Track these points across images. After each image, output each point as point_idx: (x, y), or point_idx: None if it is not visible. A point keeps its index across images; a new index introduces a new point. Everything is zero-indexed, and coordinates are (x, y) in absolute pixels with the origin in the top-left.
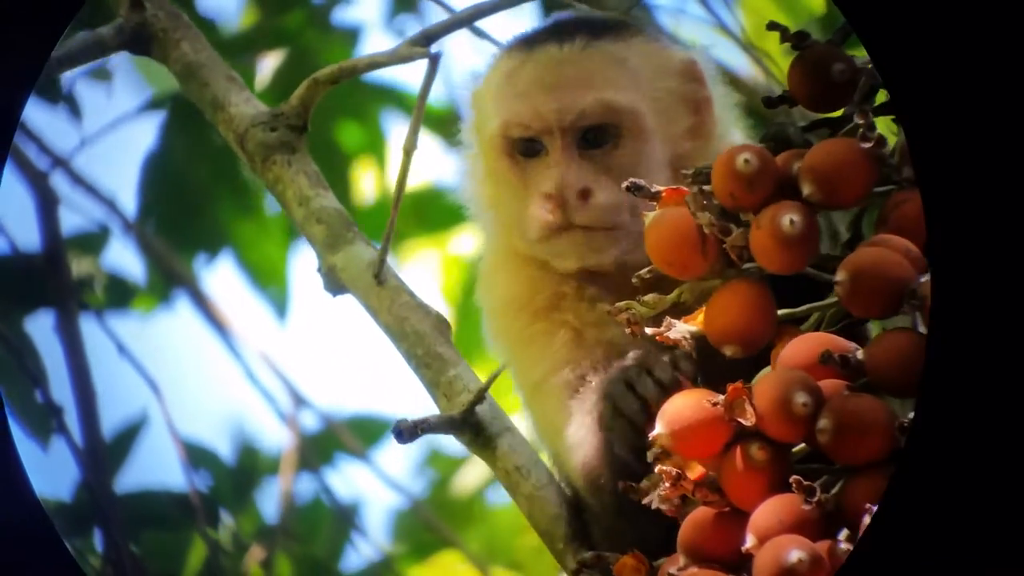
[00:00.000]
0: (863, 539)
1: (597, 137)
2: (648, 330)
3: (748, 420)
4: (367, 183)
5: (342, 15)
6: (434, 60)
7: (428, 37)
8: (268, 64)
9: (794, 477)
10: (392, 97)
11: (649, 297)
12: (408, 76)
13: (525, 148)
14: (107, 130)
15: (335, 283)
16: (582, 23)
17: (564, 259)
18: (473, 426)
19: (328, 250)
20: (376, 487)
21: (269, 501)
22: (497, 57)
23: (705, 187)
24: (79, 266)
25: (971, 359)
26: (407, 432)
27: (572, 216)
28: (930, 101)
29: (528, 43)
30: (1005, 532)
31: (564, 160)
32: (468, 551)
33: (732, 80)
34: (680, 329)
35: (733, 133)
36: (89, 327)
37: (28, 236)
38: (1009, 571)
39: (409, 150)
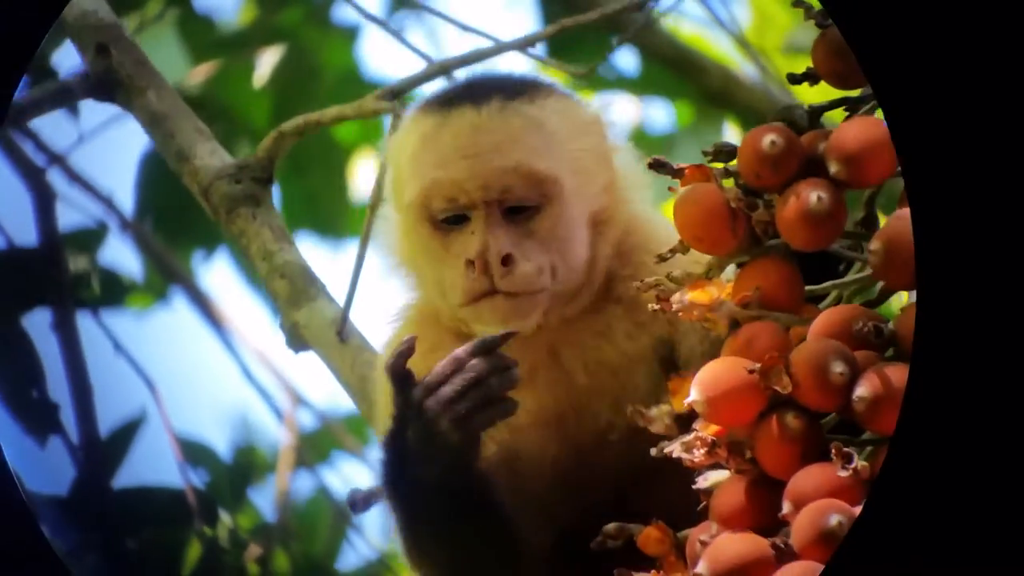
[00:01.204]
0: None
1: (519, 205)
2: (675, 306)
3: (784, 388)
4: (364, 177)
5: (340, 12)
6: (398, 115)
7: (394, 92)
8: (266, 60)
9: (834, 443)
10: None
11: (679, 273)
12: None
13: (447, 217)
14: (104, 126)
15: (298, 340)
16: (497, 84)
17: (487, 324)
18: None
19: (291, 306)
20: (374, 484)
21: (266, 499)
22: (412, 116)
23: (728, 165)
24: (76, 263)
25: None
26: (361, 501)
27: (496, 283)
28: (917, 92)
29: (444, 103)
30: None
31: (487, 228)
32: None
33: (731, 80)
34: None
35: (642, 188)
36: (86, 324)
37: (25, 232)
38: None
39: (374, 205)
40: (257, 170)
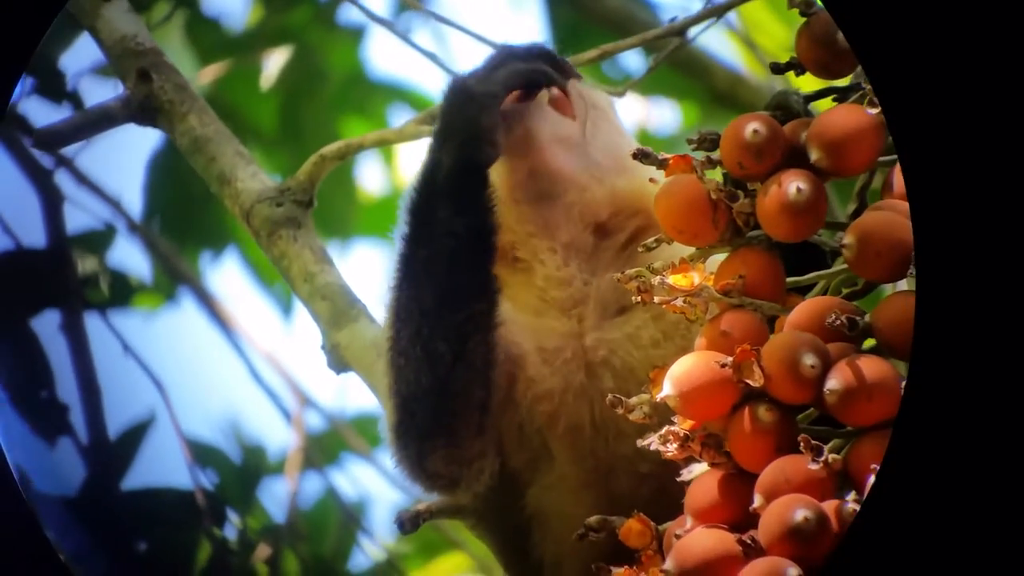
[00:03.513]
0: (866, 501)
1: None
2: (656, 299)
3: (756, 381)
4: (373, 177)
5: (347, 13)
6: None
7: (434, 116)
8: (274, 62)
9: (802, 436)
10: (400, 94)
11: (659, 264)
12: (416, 74)
13: None
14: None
15: (339, 361)
16: None
17: None
18: (475, 511)
19: (332, 327)
20: (381, 486)
21: (275, 500)
22: None
23: (711, 154)
24: (84, 264)
25: (966, 324)
26: (409, 521)
27: None
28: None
29: None
30: (1003, 503)
31: None
32: (473, 552)
33: (737, 80)
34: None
35: None
36: (94, 325)
37: (33, 234)
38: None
39: None
40: (298, 193)
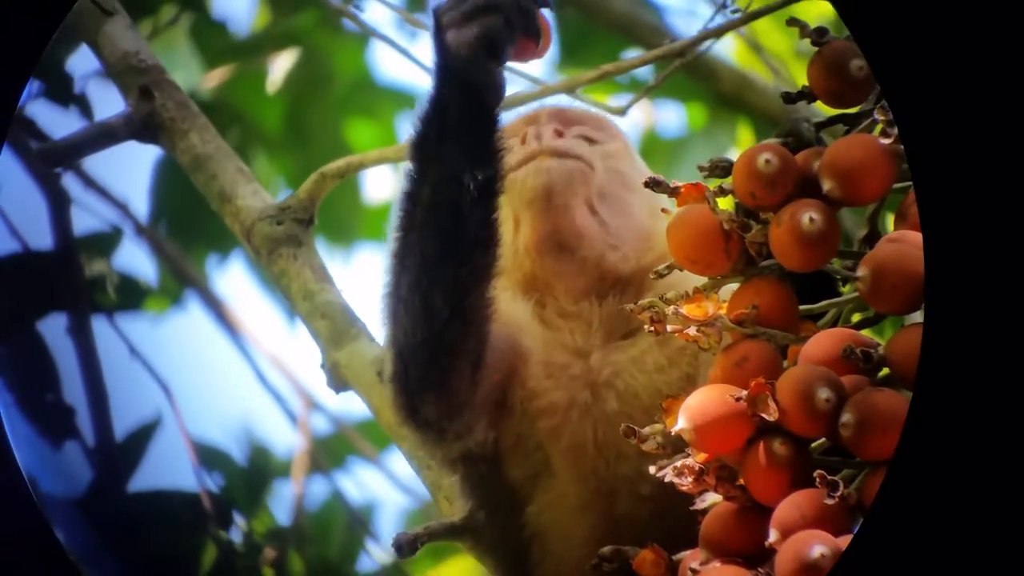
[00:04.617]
0: (871, 530)
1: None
2: (670, 328)
3: (771, 415)
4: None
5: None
6: None
7: None
8: (280, 65)
9: (818, 472)
10: (409, 101)
11: (672, 294)
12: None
13: None
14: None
15: (338, 380)
16: None
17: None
18: (474, 532)
19: (332, 346)
20: (388, 490)
21: (281, 503)
22: None
23: (723, 183)
24: (91, 267)
25: (974, 352)
26: (407, 545)
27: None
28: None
29: None
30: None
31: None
32: None
33: (744, 83)
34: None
35: None
36: (101, 328)
37: (40, 237)
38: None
39: None
40: (298, 211)
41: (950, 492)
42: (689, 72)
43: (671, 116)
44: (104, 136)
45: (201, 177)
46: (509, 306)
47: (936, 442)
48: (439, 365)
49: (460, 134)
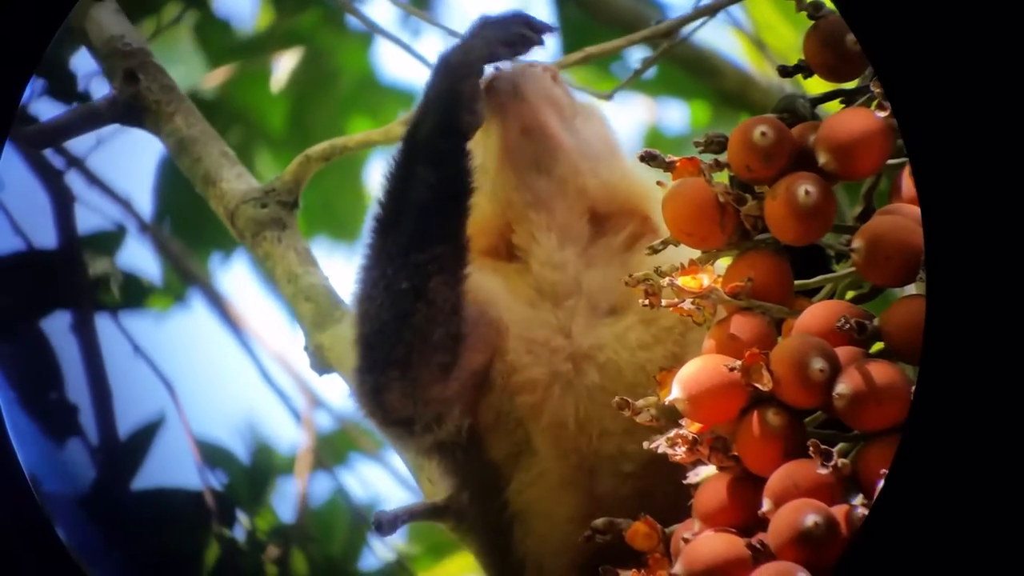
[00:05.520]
0: (875, 505)
1: None
2: (664, 302)
3: (765, 385)
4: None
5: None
6: None
7: None
8: (284, 64)
9: (812, 441)
10: (411, 98)
11: (667, 267)
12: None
13: None
14: (122, 130)
15: (322, 362)
16: None
17: None
18: (456, 512)
19: (316, 329)
20: (391, 487)
21: (285, 500)
22: None
23: (719, 157)
24: (95, 265)
25: (976, 328)
26: (387, 524)
27: None
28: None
29: None
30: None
31: None
32: None
33: (747, 80)
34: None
35: None
36: (105, 326)
37: (44, 235)
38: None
39: None
40: (283, 194)
41: (955, 470)
42: (692, 70)
43: (674, 114)
44: (89, 118)
45: (186, 160)
46: (487, 281)
47: (939, 415)
48: (405, 344)
49: (431, 152)
